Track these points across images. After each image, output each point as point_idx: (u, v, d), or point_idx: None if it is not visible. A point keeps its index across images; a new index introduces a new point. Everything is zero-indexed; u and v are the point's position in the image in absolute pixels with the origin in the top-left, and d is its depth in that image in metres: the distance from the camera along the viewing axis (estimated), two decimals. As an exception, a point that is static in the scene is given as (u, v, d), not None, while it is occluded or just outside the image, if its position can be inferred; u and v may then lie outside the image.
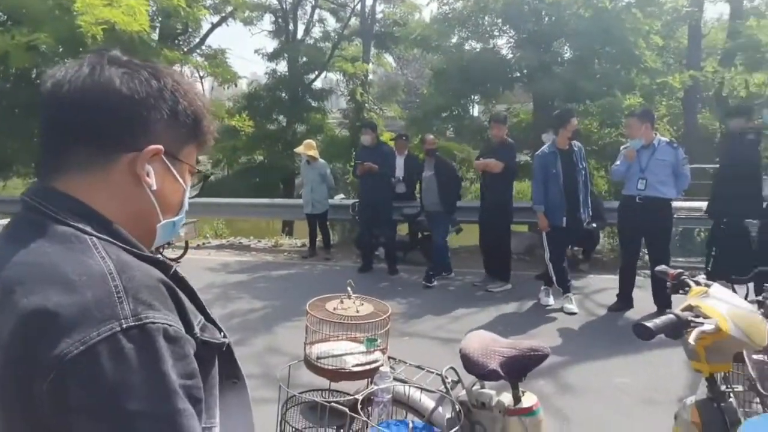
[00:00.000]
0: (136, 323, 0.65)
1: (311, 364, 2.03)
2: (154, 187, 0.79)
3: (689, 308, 1.44)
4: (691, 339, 1.30)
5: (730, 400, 1.52)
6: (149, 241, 0.82)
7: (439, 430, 1.84)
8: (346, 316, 2.05)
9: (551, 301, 5.04)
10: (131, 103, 0.76)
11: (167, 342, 0.67)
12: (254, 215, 9.19)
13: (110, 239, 0.73)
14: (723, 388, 1.53)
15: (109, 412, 0.62)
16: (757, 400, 1.62)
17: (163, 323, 0.67)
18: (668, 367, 3.61)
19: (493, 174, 5.55)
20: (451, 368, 2.00)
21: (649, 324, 1.33)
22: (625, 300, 4.89)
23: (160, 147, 0.78)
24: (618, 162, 4.84)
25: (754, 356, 1.65)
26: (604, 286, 5.63)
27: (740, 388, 1.57)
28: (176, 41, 12.46)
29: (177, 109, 0.80)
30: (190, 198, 0.90)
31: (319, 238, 7.53)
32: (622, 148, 4.93)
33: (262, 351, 4.02)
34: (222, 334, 0.83)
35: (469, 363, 1.88)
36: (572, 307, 4.90)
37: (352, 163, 7.03)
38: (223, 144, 11.81)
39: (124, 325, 0.64)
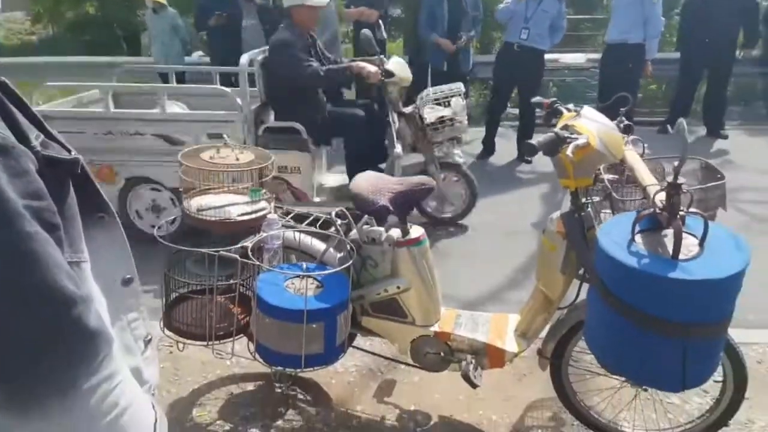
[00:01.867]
0: None
1: (191, 217, 1.90)
2: None
3: (565, 128, 1.54)
4: (569, 151, 1.40)
5: (588, 210, 1.73)
6: None
7: (332, 268, 1.88)
8: (225, 165, 1.90)
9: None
10: None
11: None
12: (96, 77, 7.92)
13: None
14: (583, 200, 1.72)
15: None
16: (607, 210, 1.86)
17: None
18: (521, 205, 4.12)
19: (365, 25, 5.27)
20: (341, 210, 2.01)
21: (534, 142, 1.41)
22: (489, 148, 5.25)
23: None
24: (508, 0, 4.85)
25: (608, 175, 1.86)
26: (472, 137, 5.95)
27: (597, 198, 1.77)
28: None
29: None
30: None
31: (179, 101, 6.82)
32: None
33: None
34: (72, 152, 0.67)
35: (360, 201, 1.89)
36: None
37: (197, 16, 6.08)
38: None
39: None
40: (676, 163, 1.29)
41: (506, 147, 5.24)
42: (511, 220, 3.85)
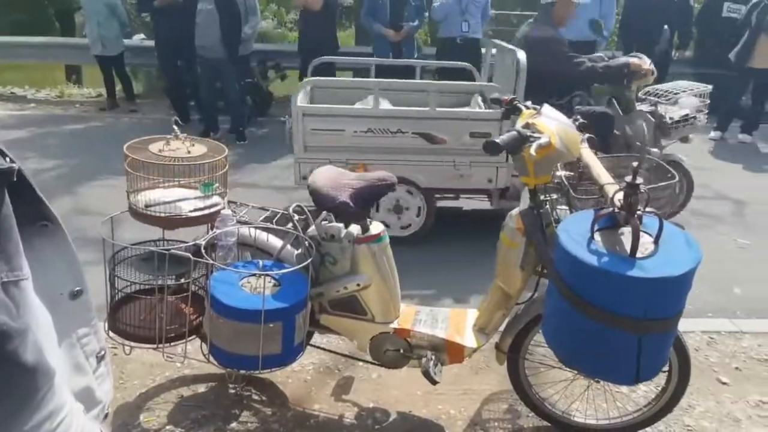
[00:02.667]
0: None
1: (139, 213, 1.79)
2: None
3: (526, 126, 1.55)
4: (532, 150, 1.41)
5: (546, 206, 1.76)
6: None
7: (290, 266, 1.83)
8: (176, 158, 1.80)
9: None
10: None
11: None
12: (26, 58, 7.33)
13: None
14: (542, 197, 1.75)
15: None
16: (564, 206, 1.90)
17: None
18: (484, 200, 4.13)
19: (314, 12, 5.20)
20: (299, 205, 1.95)
21: (497, 140, 1.40)
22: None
23: None
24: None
25: (564, 172, 1.90)
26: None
27: (554, 195, 1.80)
28: None
29: None
30: None
31: (119, 87, 6.46)
32: None
33: (68, 213, 3.50)
34: (7, 159, 0.59)
35: (319, 197, 1.84)
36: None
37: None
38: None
39: None
40: (635, 163, 1.32)
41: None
42: (474, 216, 3.89)
